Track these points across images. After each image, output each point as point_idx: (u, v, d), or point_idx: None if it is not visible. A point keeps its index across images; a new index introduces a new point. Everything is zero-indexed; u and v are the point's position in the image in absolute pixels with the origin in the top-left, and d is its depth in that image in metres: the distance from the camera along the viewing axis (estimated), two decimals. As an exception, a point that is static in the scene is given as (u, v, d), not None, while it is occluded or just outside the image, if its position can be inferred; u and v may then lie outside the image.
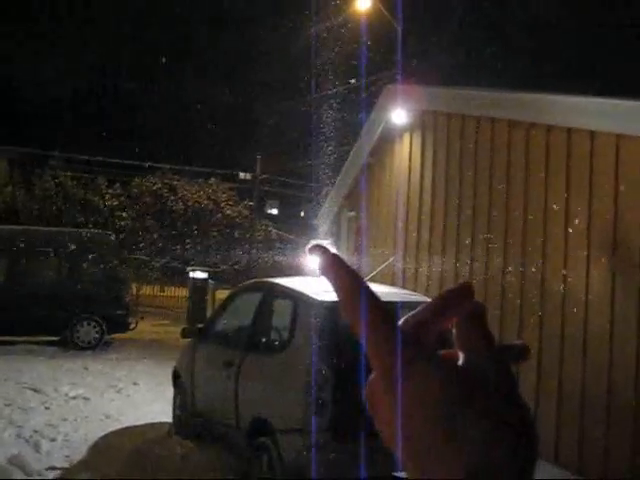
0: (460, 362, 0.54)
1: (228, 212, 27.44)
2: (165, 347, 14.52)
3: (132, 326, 15.48)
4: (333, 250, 0.56)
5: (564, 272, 6.06)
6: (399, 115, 8.77)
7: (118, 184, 28.02)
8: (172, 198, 26.87)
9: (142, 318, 16.63)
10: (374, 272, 7.63)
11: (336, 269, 0.55)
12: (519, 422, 0.52)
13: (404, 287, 7.80)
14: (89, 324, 14.62)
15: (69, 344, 14.26)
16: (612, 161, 5.73)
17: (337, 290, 0.55)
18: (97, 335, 14.67)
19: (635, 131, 5.56)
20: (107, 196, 27.55)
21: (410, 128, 8.87)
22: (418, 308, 0.56)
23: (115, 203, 27.21)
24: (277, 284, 6.75)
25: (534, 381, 6.10)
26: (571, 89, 7.39)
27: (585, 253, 5.86)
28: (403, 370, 0.52)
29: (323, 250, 0.55)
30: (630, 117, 5.67)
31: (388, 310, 0.54)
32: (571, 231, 6.05)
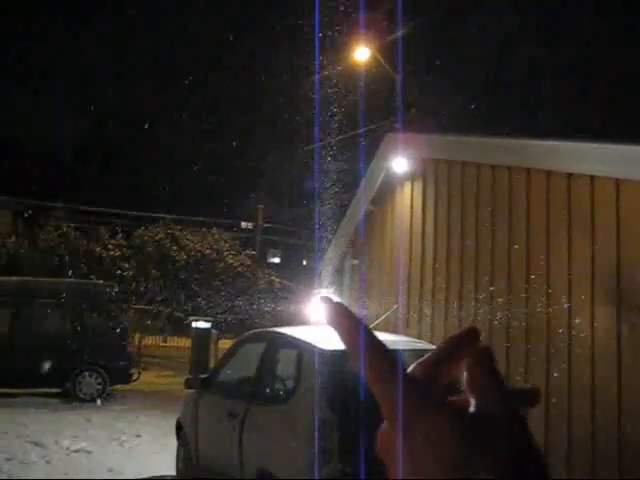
0: (471, 409, 0.54)
1: (230, 261, 27.44)
2: (168, 398, 14.38)
3: (135, 377, 15.37)
4: (338, 300, 0.57)
5: (569, 318, 6.03)
6: (400, 163, 8.84)
7: (121, 234, 28.11)
8: (174, 248, 26.91)
9: (144, 369, 16.52)
10: (378, 320, 7.59)
11: (342, 320, 0.55)
12: (534, 473, 0.52)
13: (409, 334, 7.76)
14: (91, 376, 14.52)
15: (71, 396, 14.15)
16: (613, 206, 5.76)
17: (343, 340, 0.56)
18: (99, 387, 14.56)
19: (635, 175, 5.61)
20: (110, 246, 27.61)
21: (411, 176, 8.93)
22: (425, 355, 0.56)
23: (118, 253, 27.25)
24: (281, 333, 6.72)
25: (542, 428, 6.02)
26: (570, 134, 7.47)
27: (590, 298, 5.85)
28: (414, 419, 0.52)
29: (329, 301, 0.56)
30: (630, 162, 5.72)
31: (395, 359, 0.54)
32: (575, 276, 6.04)
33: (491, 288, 7.10)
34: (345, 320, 0.55)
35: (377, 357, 0.53)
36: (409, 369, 0.55)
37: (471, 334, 0.56)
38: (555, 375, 6.14)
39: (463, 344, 0.56)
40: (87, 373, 14.50)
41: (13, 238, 28.08)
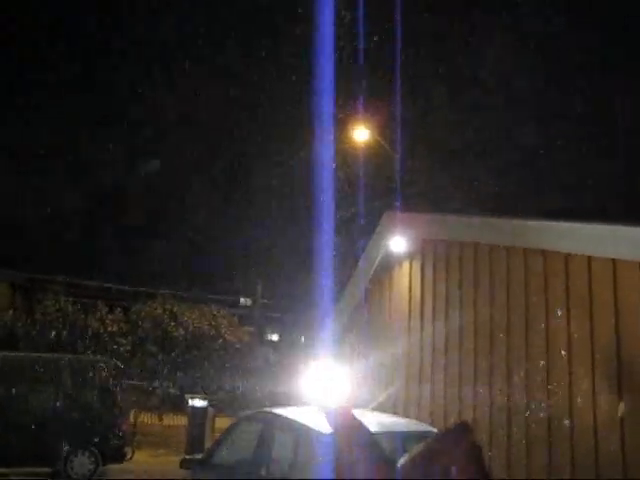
0: None
1: (229, 338, 27.26)
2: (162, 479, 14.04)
3: (128, 456, 15.04)
4: (344, 406, 0.59)
5: (569, 396, 5.97)
6: (398, 242, 8.91)
7: (119, 309, 28.02)
8: (172, 324, 26.79)
9: (138, 447, 16.17)
10: (378, 400, 7.51)
11: (346, 430, 0.57)
12: None
13: (408, 415, 7.66)
14: (84, 454, 14.20)
15: (62, 476, 13.80)
16: (610, 286, 5.78)
17: (342, 450, 0.57)
18: (92, 467, 14.22)
19: (632, 256, 5.65)
20: (107, 321, 27.47)
21: (409, 255, 8.99)
22: (418, 447, 0.57)
23: (115, 329, 27.10)
24: (278, 415, 6.64)
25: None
26: (568, 213, 7.56)
27: (590, 378, 5.81)
28: None
29: (336, 409, 0.57)
30: (626, 243, 5.77)
31: (388, 470, 0.56)
32: (574, 356, 6.02)
33: (491, 367, 7.05)
34: (349, 430, 0.57)
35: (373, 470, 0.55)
36: (399, 462, 0.56)
37: (462, 428, 0.58)
38: (558, 456, 6.04)
39: (454, 438, 0.58)
40: (80, 452, 14.19)
41: (10, 312, 27.96)
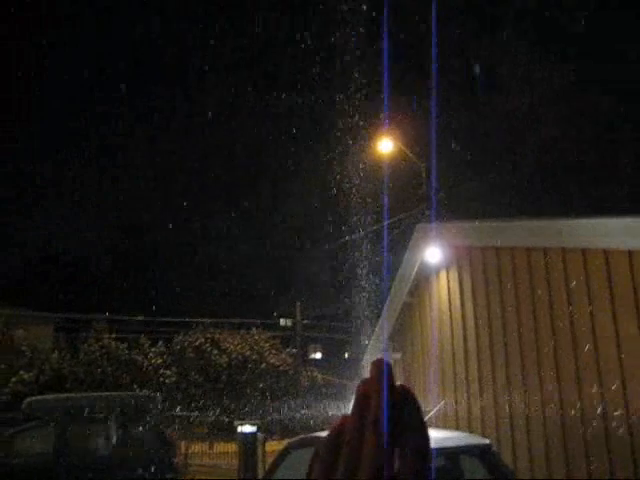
0: None
1: (272, 361, 27.27)
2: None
3: (184, 486, 15.07)
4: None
5: (624, 399, 5.82)
6: (433, 253, 8.82)
7: (161, 342, 28.24)
8: (215, 352, 26.88)
9: (192, 478, 16.18)
10: (429, 415, 7.40)
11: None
12: None
13: (460, 428, 7.54)
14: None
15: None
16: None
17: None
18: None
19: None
20: (150, 355, 27.69)
21: (446, 264, 8.89)
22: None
23: (159, 361, 27.29)
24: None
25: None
26: (603, 210, 7.41)
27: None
28: None
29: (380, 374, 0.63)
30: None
31: None
32: (625, 355, 5.86)
33: (538, 375, 6.90)
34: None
35: None
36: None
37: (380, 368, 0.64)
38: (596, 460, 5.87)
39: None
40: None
41: (56, 353, 28.33)
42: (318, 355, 37.05)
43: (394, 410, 0.62)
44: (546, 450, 6.58)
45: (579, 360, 6.40)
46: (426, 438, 0.65)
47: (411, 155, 14.11)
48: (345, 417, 0.65)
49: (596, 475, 5.91)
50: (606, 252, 6.21)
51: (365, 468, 0.61)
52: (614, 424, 5.86)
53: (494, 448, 5.80)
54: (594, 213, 6.92)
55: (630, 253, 5.94)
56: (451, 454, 5.50)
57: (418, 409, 0.65)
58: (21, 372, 25.34)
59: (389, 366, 0.64)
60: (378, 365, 0.64)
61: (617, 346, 5.95)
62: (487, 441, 5.94)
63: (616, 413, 5.85)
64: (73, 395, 17.81)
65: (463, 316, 8.48)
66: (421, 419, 0.65)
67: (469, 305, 8.37)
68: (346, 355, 32.01)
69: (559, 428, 6.50)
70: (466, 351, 8.34)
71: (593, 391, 6.12)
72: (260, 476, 12.82)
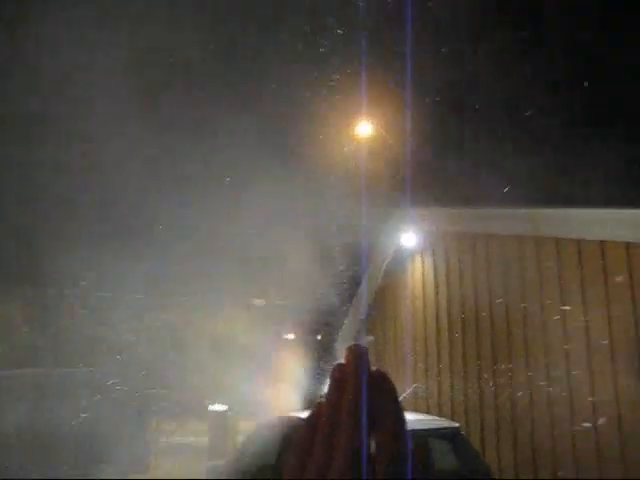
0: None
1: (244, 341, 27.30)
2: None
3: (151, 465, 15.11)
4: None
5: (591, 387, 5.93)
6: (409, 238, 8.88)
7: (134, 320, 28.12)
8: (189, 330, 26.85)
9: (159, 455, 16.25)
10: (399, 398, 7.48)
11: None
12: None
13: (430, 411, 7.64)
14: (108, 467, 14.28)
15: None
16: (622, 266, 5.73)
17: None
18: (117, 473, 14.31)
19: None
20: (123, 331, 27.58)
21: (421, 250, 8.95)
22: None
23: (133, 338, 27.20)
24: (300, 419, 6.62)
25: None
26: (581, 200, 7.47)
27: (610, 367, 5.77)
28: None
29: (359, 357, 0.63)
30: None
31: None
32: (593, 344, 5.97)
33: (508, 358, 7.01)
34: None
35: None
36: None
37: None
38: (580, 446, 6.00)
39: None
40: (104, 464, 14.26)
41: (25, 329, 28.08)
42: (291, 336, 37.14)
43: (370, 394, 0.63)
44: (514, 434, 6.70)
45: (548, 346, 6.51)
46: (402, 422, 0.65)
47: (388, 138, 14.12)
48: (320, 404, 0.66)
49: (561, 458, 6.04)
50: (579, 242, 6.31)
51: (341, 452, 0.61)
52: (582, 410, 5.98)
53: (463, 431, 5.89)
54: (569, 203, 7.01)
55: (602, 243, 6.04)
56: (421, 437, 5.59)
57: (394, 393, 0.66)
58: (-9, 346, 25.10)
59: (365, 351, 0.65)
60: (354, 350, 0.64)
61: (586, 334, 6.05)
62: (456, 424, 6.04)
63: (584, 397, 5.97)
64: (44, 370, 17.73)
65: (436, 299, 8.57)
66: (397, 403, 0.66)
67: (443, 288, 8.46)
68: (319, 337, 32.12)
69: (528, 413, 6.62)
70: (438, 335, 8.43)
71: (561, 375, 6.23)
72: (230, 454, 12.93)
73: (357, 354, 0.66)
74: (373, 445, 0.65)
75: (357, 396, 0.65)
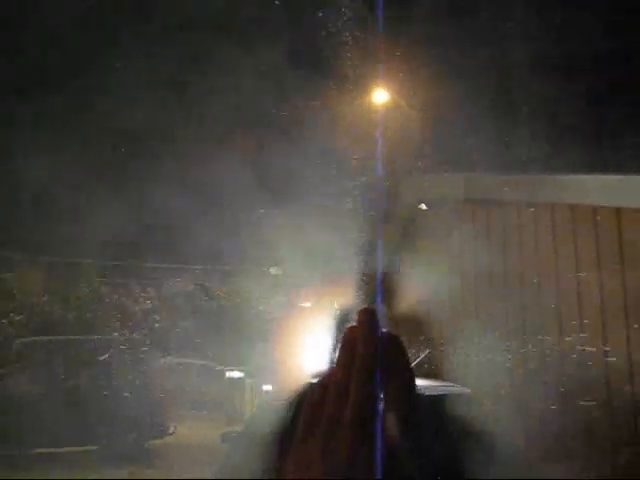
0: None
1: (261, 308, 27.50)
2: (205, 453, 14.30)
3: (170, 431, 15.34)
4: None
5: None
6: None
7: (151, 288, 28.36)
8: (205, 298, 27.08)
9: (178, 422, 16.51)
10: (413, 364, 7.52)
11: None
12: None
13: (442, 377, 7.69)
14: (127, 431, 14.52)
15: (107, 453, 14.12)
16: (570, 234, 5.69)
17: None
18: (135, 442, 14.54)
19: None
20: (140, 299, 27.86)
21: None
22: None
23: (149, 306, 27.47)
24: (313, 384, 6.67)
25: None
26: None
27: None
28: None
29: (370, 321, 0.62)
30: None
31: None
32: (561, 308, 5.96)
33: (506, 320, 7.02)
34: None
35: None
36: None
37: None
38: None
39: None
40: (122, 429, 14.50)
41: (46, 297, 28.42)
42: (308, 304, 37.31)
43: (382, 358, 0.62)
44: (527, 399, 6.74)
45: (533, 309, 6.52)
46: (414, 387, 0.65)
47: (403, 104, 14.02)
48: (332, 368, 0.65)
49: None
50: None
51: (349, 421, 0.61)
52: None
53: (474, 397, 5.92)
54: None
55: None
56: (432, 402, 5.62)
57: (406, 358, 0.65)
58: (11, 315, 25.49)
59: (377, 314, 0.63)
60: (365, 313, 0.63)
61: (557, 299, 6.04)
62: (468, 390, 6.07)
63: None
64: (63, 337, 17.98)
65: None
66: (409, 368, 0.65)
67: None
68: (335, 304, 32.25)
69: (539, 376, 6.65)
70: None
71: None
72: (244, 421, 13.11)
73: (368, 317, 0.65)
74: (383, 408, 0.64)
75: (367, 361, 0.64)
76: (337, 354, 0.67)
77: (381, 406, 0.63)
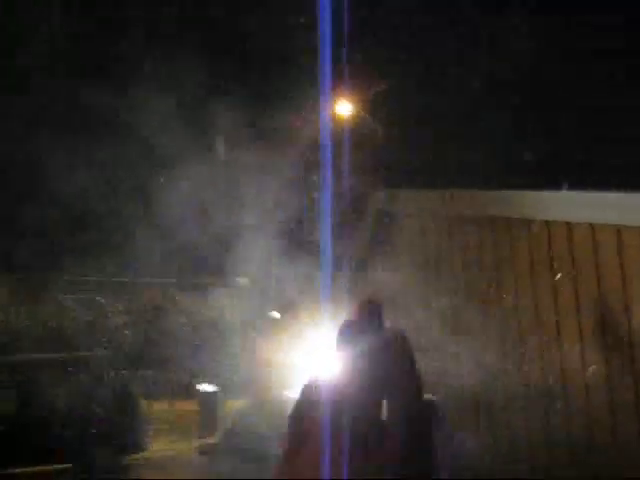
0: None
1: (230, 319, 27.55)
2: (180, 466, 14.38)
3: (146, 446, 15.39)
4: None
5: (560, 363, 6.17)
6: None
7: (119, 303, 28.27)
8: (174, 311, 27.07)
9: (153, 436, 16.55)
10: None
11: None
12: None
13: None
14: (105, 448, 14.52)
15: (85, 471, 14.10)
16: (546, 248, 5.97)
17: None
18: (112, 459, 14.56)
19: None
20: (109, 315, 27.75)
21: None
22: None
23: (120, 321, 27.39)
24: (291, 397, 6.86)
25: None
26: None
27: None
28: None
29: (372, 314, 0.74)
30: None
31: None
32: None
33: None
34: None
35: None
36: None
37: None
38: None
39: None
40: (100, 446, 14.51)
41: (13, 309, 28.12)
42: (277, 315, 37.32)
43: (384, 355, 0.67)
44: (491, 406, 6.98)
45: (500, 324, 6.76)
46: (419, 387, 0.71)
47: (366, 117, 14.34)
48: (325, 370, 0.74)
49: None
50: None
51: (349, 428, 0.72)
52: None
53: (438, 404, 6.15)
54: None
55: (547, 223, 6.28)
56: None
57: (411, 354, 0.71)
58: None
59: (378, 308, 0.69)
60: (365, 306, 0.69)
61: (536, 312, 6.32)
62: (434, 397, 6.30)
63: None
64: (32, 356, 17.88)
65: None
66: (413, 365, 0.71)
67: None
68: (304, 315, 32.31)
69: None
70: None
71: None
72: (219, 434, 13.24)
73: (369, 311, 0.72)
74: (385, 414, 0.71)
75: (367, 361, 0.70)
76: (335, 349, 0.74)
77: (386, 408, 0.73)
